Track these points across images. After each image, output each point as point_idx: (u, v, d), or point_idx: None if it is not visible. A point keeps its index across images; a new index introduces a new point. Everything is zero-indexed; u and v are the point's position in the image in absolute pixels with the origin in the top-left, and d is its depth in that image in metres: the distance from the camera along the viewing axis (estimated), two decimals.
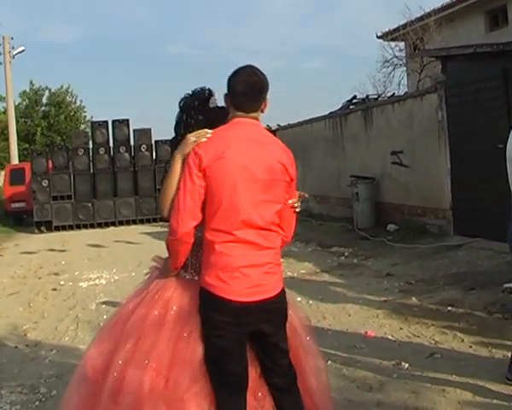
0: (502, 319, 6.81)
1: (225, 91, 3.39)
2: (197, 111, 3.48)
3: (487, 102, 11.03)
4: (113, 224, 21.10)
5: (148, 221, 21.15)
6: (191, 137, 3.25)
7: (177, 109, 3.55)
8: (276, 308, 3.33)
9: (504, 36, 16.14)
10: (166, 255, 3.48)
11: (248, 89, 3.32)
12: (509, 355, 5.03)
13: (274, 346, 3.36)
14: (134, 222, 21.24)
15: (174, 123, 3.56)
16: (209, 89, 3.54)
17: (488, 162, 10.38)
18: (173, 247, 3.32)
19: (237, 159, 3.20)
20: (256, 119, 3.37)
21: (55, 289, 10.39)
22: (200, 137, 3.23)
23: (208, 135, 3.23)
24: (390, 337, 6.64)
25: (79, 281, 11.01)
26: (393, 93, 20.55)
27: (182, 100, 3.54)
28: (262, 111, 3.40)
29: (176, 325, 3.19)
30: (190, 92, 3.55)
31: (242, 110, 3.33)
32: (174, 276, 3.40)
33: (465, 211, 11.80)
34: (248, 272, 3.22)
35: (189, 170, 3.19)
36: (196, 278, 3.33)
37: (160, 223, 20.69)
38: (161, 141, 21.98)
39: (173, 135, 3.57)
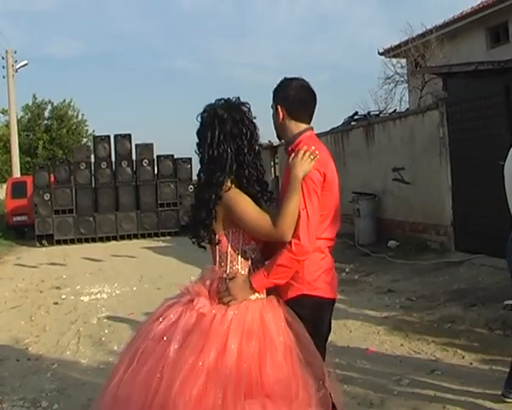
0: (502, 336, 6.82)
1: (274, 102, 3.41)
2: (254, 123, 3.32)
3: (488, 119, 11.08)
4: (115, 238, 21.10)
5: (150, 236, 21.22)
6: (305, 154, 3.17)
7: (217, 122, 3.21)
8: None
9: (506, 53, 16.23)
10: (239, 273, 3.25)
11: (311, 99, 3.42)
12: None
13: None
14: (135, 237, 21.25)
15: (223, 138, 3.19)
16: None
17: (489, 179, 10.40)
18: (295, 267, 3.19)
19: (335, 172, 3.35)
20: None
21: (56, 303, 10.40)
22: (313, 153, 3.17)
23: (316, 151, 3.20)
24: (391, 354, 6.65)
25: (81, 295, 11.02)
26: (395, 110, 20.67)
27: (227, 112, 3.22)
28: None
29: (287, 347, 3.09)
30: (227, 101, 3.28)
31: (305, 121, 3.40)
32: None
33: (466, 227, 11.82)
34: (334, 270, 3.46)
35: (314, 188, 3.17)
36: (262, 295, 3.26)
37: (162, 238, 20.78)
38: (163, 156, 22.09)
39: (211, 153, 3.21)
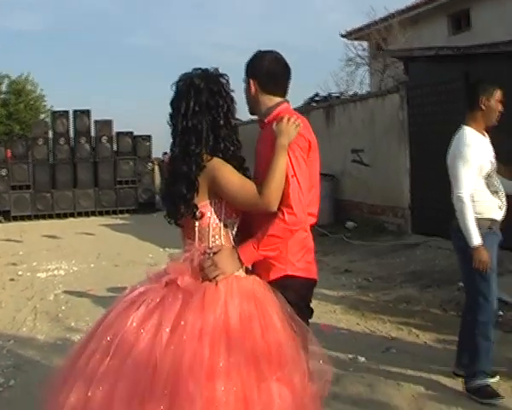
0: (456, 317, 6.93)
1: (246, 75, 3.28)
2: (232, 96, 3.16)
3: (448, 104, 11.20)
4: (72, 215, 20.87)
5: (108, 213, 21.03)
6: (290, 120, 3.03)
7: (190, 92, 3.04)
8: None
9: (467, 39, 16.39)
10: (222, 246, 3.05)
11: (284, 72, 3.29)
12: None
13: None
14: (93, 214, 21.03)
15: (198, 109, 3.02)
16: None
17: (445, 164, 10.55)
18: (288, 238, 3.02)
19: (316, 144, 3.21)
20: None
21: (12, 280, 10.26)
22: (296, 120, 3.04)
23: (298, 120, 3.07)
24: (347, 332, 6.75)
25: (38, 271, 10.89)
26: (356, 92, 20.72)
27: (204, 82, 3.06)
28: None
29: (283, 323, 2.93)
30: (205, 71, 3.11)
31: (280, 94, 3.26)
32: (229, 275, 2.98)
33: (423, 210, 12.00)
34: (313, 250, 3.31)
35: (301, 154, 3.03)
36: (244, 274, 3.06)
37: (120, 215, 20.65)
38: (122, 133, 21.88)
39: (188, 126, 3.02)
